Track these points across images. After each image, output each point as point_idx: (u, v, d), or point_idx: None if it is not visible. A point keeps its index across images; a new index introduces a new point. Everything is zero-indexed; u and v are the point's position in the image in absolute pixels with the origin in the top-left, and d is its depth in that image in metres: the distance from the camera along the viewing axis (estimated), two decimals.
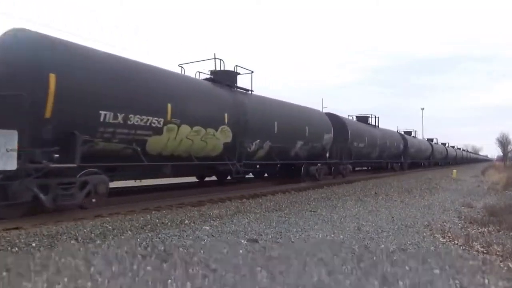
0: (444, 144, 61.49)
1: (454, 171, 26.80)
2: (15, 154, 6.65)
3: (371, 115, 27.39)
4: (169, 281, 4.06)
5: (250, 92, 14.09)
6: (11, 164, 6.62)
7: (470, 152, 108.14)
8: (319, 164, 18.03)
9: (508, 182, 19.90)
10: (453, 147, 73.74)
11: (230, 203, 10.19)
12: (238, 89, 13.60)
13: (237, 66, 13.62)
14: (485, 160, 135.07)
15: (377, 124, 27.65)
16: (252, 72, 14.10)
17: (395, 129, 36.35)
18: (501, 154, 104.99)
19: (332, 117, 20.15)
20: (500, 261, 5.33)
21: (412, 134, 40.36)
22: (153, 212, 8.50)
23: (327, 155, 18.37)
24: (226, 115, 11.88)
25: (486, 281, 4.48)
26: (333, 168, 19.67)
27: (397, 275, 4.54)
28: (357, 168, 28.85)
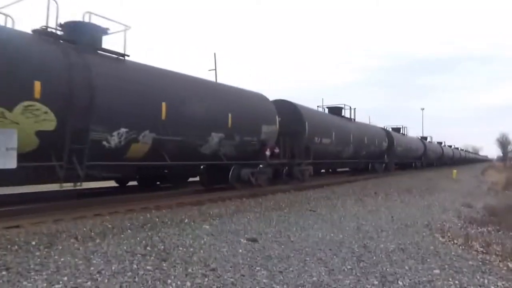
0: (440, 143, 57.02)
1: (454, 171, 26.80)
2: (14, 153, 6.64)
3: (345, 105, 22.20)
4: (169, 280, 4.07)
5: (122, 58, 9.24)
6: (11, 163, 6.62)
7: (469, 152, 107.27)
8: (261, 166, 13.49)
9: (508, 182, 19.93)
10: (450, 146, 68.57)
11: (230, 202, 10.18)
12: (101, 52, 8.95)
13: (89, 13, 8.62)
14: (485, 160, 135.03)
15: (353, 117, 22.68)
16: (128, 28, 9.20)
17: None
18: (501, 154, 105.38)
19: (282, 105, 15.65)
20: (500, 261, 5.34)
21: (402, 131, 35.38)
22: (153, 211, 8.49)
23: (268, 153, 13.45)
24: (38, 84, 7.17)
25: (486, 281, 4.49)
26: (284, 170, 15.16)
27: (397, 275, 4.55)
28: (339, 170, 25.69)
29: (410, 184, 18.59)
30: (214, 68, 12.74)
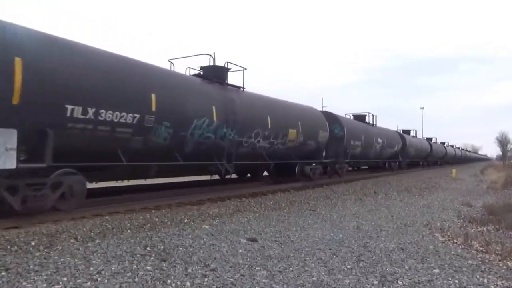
0: (429, 139, 48.05)
1: (453, 170, 26.81)
2: (14, 153, 6.63)
3: (244, 69, 13.11)
4: (169, 280, 4.07)
5: None
6: (11, 163, 6.60)
7: (467, 150, 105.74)
8: None
9: (507, 181, 19.93)
10: (443, 143, 58.12)
11: (229, 202, 10.18)
12: None
13: None
14: (484, 159, 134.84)
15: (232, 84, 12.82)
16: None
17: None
18: (500, 153, 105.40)
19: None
20: (499, 260, 5.35)
21: (368, 120, 24.87)
22: (153, 211, 8.49)
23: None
24: None
25: (485, 280, 4.50)
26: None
27: (396, 274, 4.55)
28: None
29: (409, 183, 18.59)
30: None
